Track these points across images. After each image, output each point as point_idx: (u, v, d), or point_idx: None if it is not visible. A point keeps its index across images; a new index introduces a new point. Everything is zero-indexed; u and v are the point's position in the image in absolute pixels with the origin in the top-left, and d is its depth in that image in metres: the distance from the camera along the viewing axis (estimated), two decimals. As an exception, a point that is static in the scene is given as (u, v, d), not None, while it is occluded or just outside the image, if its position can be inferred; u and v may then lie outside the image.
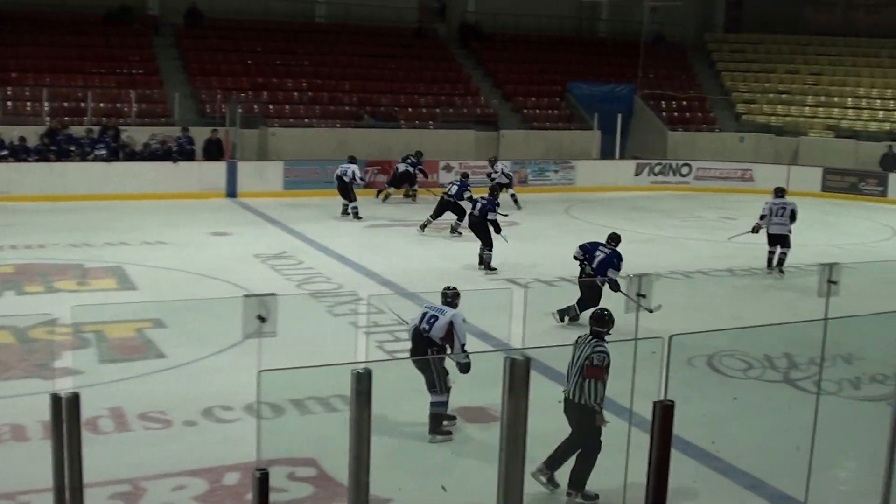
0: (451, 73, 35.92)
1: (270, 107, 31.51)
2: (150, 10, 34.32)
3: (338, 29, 36.00)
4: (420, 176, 28.60)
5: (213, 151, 28.18)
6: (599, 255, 15.21)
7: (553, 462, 8.87)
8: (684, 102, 37.73)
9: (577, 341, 8.95)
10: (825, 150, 34.82)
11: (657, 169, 33.15)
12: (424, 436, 10.08)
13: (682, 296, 17.61)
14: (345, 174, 25.28)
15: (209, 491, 8.79)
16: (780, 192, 20.93)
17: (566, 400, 8.89)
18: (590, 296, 14.73)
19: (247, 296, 5.35)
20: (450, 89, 34.84)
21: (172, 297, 15.90)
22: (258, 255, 19.51)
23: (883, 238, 24.20)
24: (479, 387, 10.32)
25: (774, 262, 19.85)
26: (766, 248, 19.79)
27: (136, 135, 27.73)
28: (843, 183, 32.55)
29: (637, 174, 32.70)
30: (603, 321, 8.75)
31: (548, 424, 9.80)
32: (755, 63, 40.11)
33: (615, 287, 14.68)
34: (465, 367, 10.12)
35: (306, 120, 31.39)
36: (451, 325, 10.27)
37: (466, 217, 20.87)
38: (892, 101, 37.42)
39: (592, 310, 9.94)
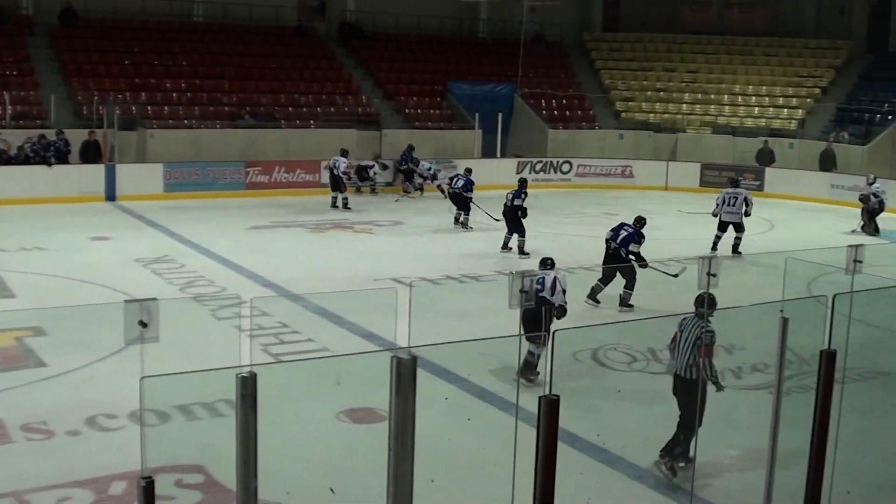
0: (331, 72, 35.75)
1: (149, 108, 30.94)
2: (24, 10, 33.47)
3: (216, 28, 35.55)
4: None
5: (91, 154, 27.63)
6: (623, 233, 17.08)
7: (676, 453, 9.50)
8: (564, 101, 38.13)
9: (680, 324, 9.76)
10: (703, 146, 35.58)
11: (538, 167, 33.43)
12: (312, 438, 10.03)
13: (567, 291, 17.79)
14: (335, 166, 26.93)
15: (95, 501, 8.64)
16: (734, 182, 22.89)
17: (676, 377, 9.75)
18: (610, 274, 16.76)
19: (128, 301, 5.26)
20: (331, 88, 34.66)
21: (52, 303, 15.53)
22: (139, 260, 19.18)
23: (760, 231, 24.77)
24: (366, 387, 10.30)
25: (718, 246, 21.85)
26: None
27: (11, 138, 27.02)
28: (721, 178, 33.17)
29: (518, 172, 32.86)
30: (710, 304, 9.28)
31: (436, 421, 9.86)
32: (633, 62, 40.74)
33: (640, 260, 16.99)
34: (563, 312, 12.61)
35: (185, 121, 30.94)
36: (555, 280, 12.81)
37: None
38: (766, 98, 38.40)
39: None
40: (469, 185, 24.56)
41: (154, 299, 5.33)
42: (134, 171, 27.87)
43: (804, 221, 26.60)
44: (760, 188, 31.89)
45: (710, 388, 9.51)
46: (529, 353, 11.68)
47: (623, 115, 38.35)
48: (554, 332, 5.27)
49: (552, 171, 33.51)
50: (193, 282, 17.54)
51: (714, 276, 6.46)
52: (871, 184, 26.52)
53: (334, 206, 27.12)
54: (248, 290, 16.44)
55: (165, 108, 31.36)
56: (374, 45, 37.70)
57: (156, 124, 30.02)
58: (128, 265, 18.69)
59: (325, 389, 10.81)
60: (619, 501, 9.38)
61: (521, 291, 5.52)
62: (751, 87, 38.94)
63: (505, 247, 21.57)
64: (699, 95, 38.86)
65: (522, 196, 21.67)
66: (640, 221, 17.43)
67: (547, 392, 5.10)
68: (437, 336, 5.91)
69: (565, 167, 33.70)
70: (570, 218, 26.99)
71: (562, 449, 5.43)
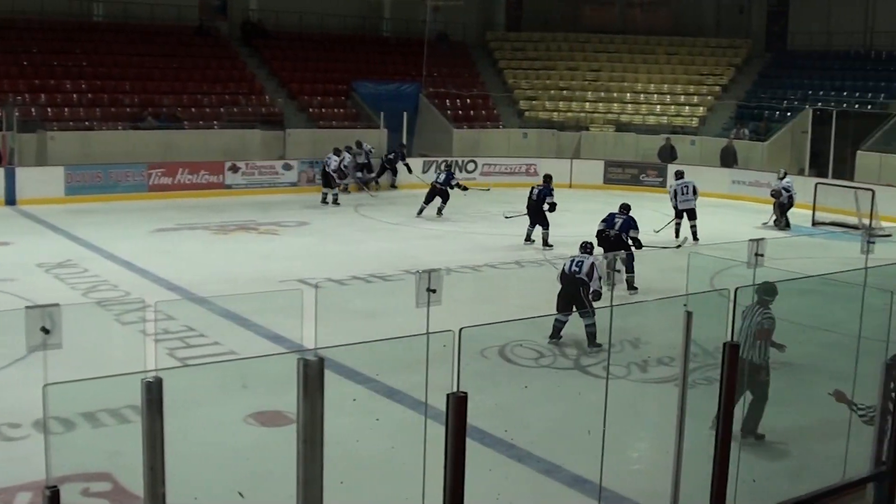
0: (234, 71, 35.41)
1: (49, 109, 30.33)
2: (-84, 9, 32.68)
3: (116, 28, 34.95)
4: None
5: (-11, 157, 27.11)
6: (619, 221, 18.43)
7: (748, 428, 9.98)
8: (468, 100, 38.29)
9: (743, 312, 10.01)
10: (606, 144, 36.01)
11: (444, 166, 33.49)
12: (221, 442, 9.94)
13: (472, 289, 17.90)
14: (327, 164, 28.42)
15: (-2, 512, 8.47)
16: (680, 175, 25.26)
17: (743, 362, 9.74)
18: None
19: (30, 307, 5.16)
20: (234, 88, 34.34)
21: (-51, 311, 15.18)
22: (41, 265, 18.81)
23: (663, 226, 25.10)
24: (273, 390, 10.23)
25: (682, 234, 23.69)
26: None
27: None
28: (625, 175, 33.70)
29: (425, 172, 32.96)
30: (769, 291, 10.20)
31: (345, 423, 9.83)
32: (536, 61, 41.02)
33: (638, 244, 18.26)
34: (598, 296, 13.94)
35: (87, 123, 30.40)
36: (592, 265, 14.05)
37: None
38: (668, 96, 38.99)
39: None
40: (449, 179, 26.74)
41: (56, 305, 5.24)
42: (34, 175, 27.33)
43: (706, 217, 26.94)
44: (663, 185, 32.31)
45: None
46: (587, 326, 13.59)
47: (527, 113, 38.61)
48: (460, 330, 5.29)
49: (457, 170, 33.55)
50: (97, 286, 17.27)
51: (619, 272, 6.53)
52: (782, 179, 27.10)
53: (324, 201, 28.36)
54: (153, 294, 16.23)
55: (66, 109, 30.78)
56: (277, 45, 37.42)
57: (56, 126, 29.44)
58: (29, 270, 18.33)
59: (233, 393, 10.70)
60: (528, 496, 9.45)
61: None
62: (653, 85, 39.49)
63: (528, 239, 22.56)
64: (602, 94, 39.28)
65: (552, 191, 22.93)
66: (627, 208, 18.92)
67: (454, 390, 5.12)
68: (344, 337, 5.89)
69: (470, 166, 33.85)
70: (474, 216, 27.07)
71: (471, 446, 5.46)
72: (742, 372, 9.62)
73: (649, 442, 10.66)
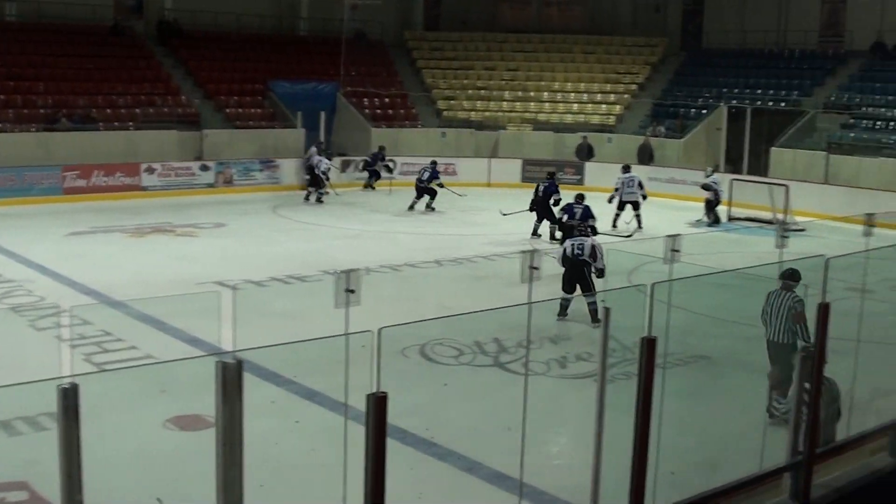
0: (150, 72, 34.95)
1: (-41, 112, 29.75)
2: None
3: (30, 28, 34.28)
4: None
5: None
6: (578, 210, 20.18)
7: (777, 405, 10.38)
8: (387, 99, 38.23)
9: (768, 298, 11.19)
10: (524, 143, 36.19)
11: (362, 166, 33.44)
12: (139, 448, 9.82)
13: (392, 288, 17.89)
14: (317, 165, 29.31)
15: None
16: (626, 168, 26.69)
17: (771, 343, 11.16)
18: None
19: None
20: (149, 89, 33.88)
21: None
22: (-49, 271, 18.45)
23: (630, 231, 25.26)
24: (191, 394, 10.14)
25: (628, 223, 25.02)
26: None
27: None
28: (542, 173, 33.81)
29: (343, 171, 32.87)
30: (794, 277, 10.96)
31: (264, 425, 9.77)
32: (454, 60, 41.08)
33: (595, 231, 19.30)
34: (601, 273, 15.51)
35: (-1, 125, 29.87)
36: (593, 246, 15.67)
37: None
38: (585, 95, 39.29)
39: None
40: (433, 176, 28.17)
41: (-34, 311, 5.15)
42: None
43: (624, 213, 27.22)
44: (581, 182, 32.59)
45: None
46: (590, 304, 14.94)
47: (445, 113, 38.64)
48: (379, 330, 5.28)
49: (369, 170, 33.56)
50: (10, 292, 16.94)
51: (537, 268, 6.57)
52: (709, 175, 27.52)
53: (307, 199, 29.30)
54: (68, 299, 15.98)
55: (-23, 111, 30.19)
56: (193, 44, 37.00)
57: (-33, 129, 28.87)
58: (-61, 276, 17.96)
59: (151, 398, 10.60)
60: (450, 494, 9.47)
61: (347, 291, 5.52)
62: (570, 84, 39.78)
63: (535, 233, 23.54)
64: (519, 93, 39.46)
65: (558, 188, 23.86)
66: (582, 197, 20.96)
67: (374, 390, 5.11)
68: (263, 339, 5.84)
69: (389, 165, 33.79)
70: (395, 216, 27.08)
71: (391, 445, 5.45)
72: (773, 354, 11.14)
73: (569, 437, 10.75)
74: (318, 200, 29.23)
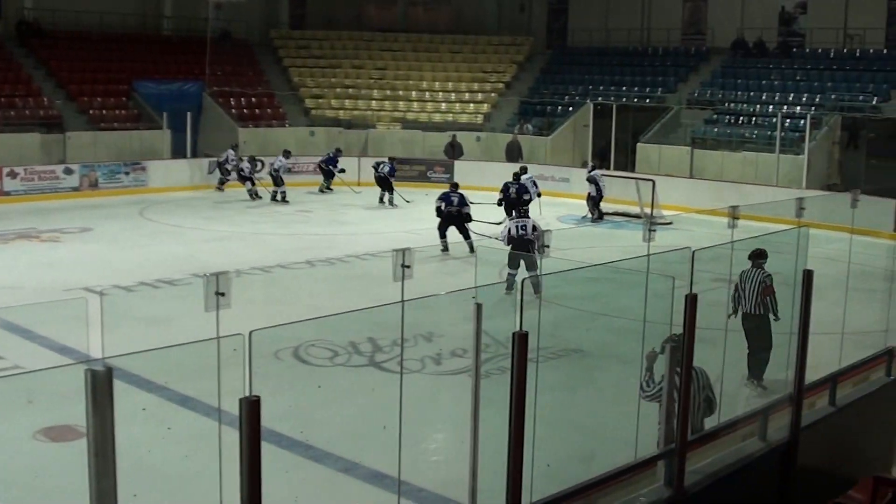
0: (9, 73, 33.95)
1: None
2: None
3: None
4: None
5: None
6: (455, 198, 21.49)
7: (757, 373, 11.93)
8: (254, 99, 37.87)
9: (741, 276, 12.22)
10: (393, 142, 36.18)
11: (230, 166, 32.99)
12: (8, 461, 9.54)
13: (263, 290, 17.72)
14: (278, 166, 30.22)
15: None
16: (523, 170, 27.06)
17: (746, 315, 12.19)
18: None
19: None
20: (9, 90, 32.90)
21: None
22: None
23: (498, 221, 25.36)
24: (61, 404, 9.89)
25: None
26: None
27: None
28: (412, 172, 33.93)
29: (210, 172, 32.43)
30: (762, 255, 12.26)
31: (137, 433, 9.58)
32: (321, 59, 40.88)
33: (469, 218, 21.34)
34: (543, 249, 14.85)
35: None
36: (534, 226, 17.43)
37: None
38: (453, 94, 39.49)
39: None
40: (393, 170, 29.59)
41: None
42: None
43: (494, 211, 27.44)
44: (450, 180, 32.66)
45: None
46: (532, 277, 14.87)
47: (313, 112, 38.45)
48: (250, 333, 5.21)
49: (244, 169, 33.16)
50: None
51: (409, 267, 6.56)
52: (591, 171, 27.86)
53: (273, 199, 29.78)
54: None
55: None
56: (54, 45, 36.05)
57: None
58: None
59: (19, 409, 10.30)
60: (327, 496, 9.42)
61: (217, 294, 5.43)
62: (437, 83, 39.93)
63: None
64: (388, 92, 39.47)
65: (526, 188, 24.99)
66: (457, 185, 22.51)
67: (246, 394, 5.04)
68: (133, 345, 5.72)
69: (257, 166, 33.42)
70: (263, 217, 26.85)
71: (267, 449, 5.38)
72: (749, 326, 12.18)
73: (446, 433, 10.77)
74: (284, 200, 29.70)
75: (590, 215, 27.38)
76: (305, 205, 28.72)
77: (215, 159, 32.03)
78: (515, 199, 23.96)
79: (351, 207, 28.31)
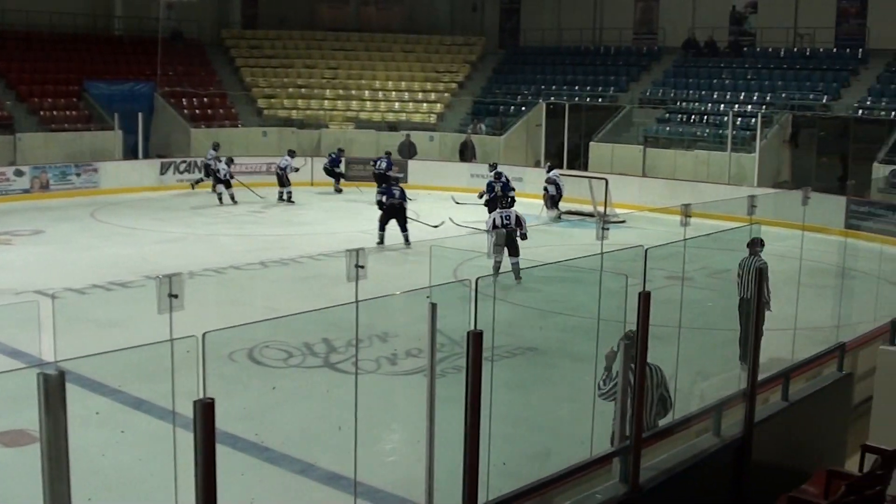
0: (-42, 75, 33.63)
1: None
2: None
3: None
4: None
5: None
6: (397, 191, 22.41)
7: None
8: (206, 99, 37.64)
9: (741, 263, 13.21)
10: (346, 141, 36.11)
11: (182, 167, 32.84)
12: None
13: (217, 292, 17.63)
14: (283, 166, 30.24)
15: None
16: (493, 167, 27.36)
17: (743, 300, 13.02)
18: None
19: None
20: (-42, 92, 32.61)
21: None
22: None
23: (440, 222, 25.38)
24: (14, 408, 9.79)
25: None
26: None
27: None
28: (366, 171, 33.87)
29: (163, 173, 32.25)
30: (758, 243, 13.22)
31: (91, 437, 9.51)
32: (273, 59, 40.72)
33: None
34: (525, 236, 18.61)
35: None
36: (517, 216, 18.96)
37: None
38: (406, 93, 39.50)
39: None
40: (390, 165, 30.63)
41: None
42: None
43: (448, 210, 27.48)
44: (405, 180, 32.65)
45: None
46: (515, 264, 17.73)
47: (266, 112, 38.31)
48: (203, 335, 5.18)
49: (196, 170, 32.96)
50: None
51: (362, 267, 6.55)
52: (549, 172, 27.97)
53: (280, 199, 30.02)
54: None
55: None
56: (3, 45, 35.60)
57: None
58: None
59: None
60: (283, 497, 9.39)
61: (170, 296, 5.39)
62: (390, 82, 39.92)
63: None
64: (340, 91, 39.41)
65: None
66: (397, 179, 23.81)
67: (201, 396, 5.01)
68: (85, 348, 5.68)
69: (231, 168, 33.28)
70: (216, 218, 26.71)
71: (223, 452, 5.36)
72: (746, 310, 12.61)
73: (402, 433, 10.78)
74: (290, 200, 29.89)
75: (548, 214, 27.44)
76: (256, 205, 28.60)
77: (203, 160, 31.54)
78: (501, 196, 24.06)
79: (305, 207, 28.23)
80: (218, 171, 29.74)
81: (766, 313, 12.41)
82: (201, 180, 31.29)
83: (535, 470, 7.74)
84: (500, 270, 17.71)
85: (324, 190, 31.81)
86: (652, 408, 8.21)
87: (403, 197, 22.39)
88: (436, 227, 23.97)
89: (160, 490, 8.19)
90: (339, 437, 8.81)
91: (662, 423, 8.39)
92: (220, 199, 29.21)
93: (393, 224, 21.94)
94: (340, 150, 33.32)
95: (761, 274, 11.86)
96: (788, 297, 14.22)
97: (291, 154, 31.11)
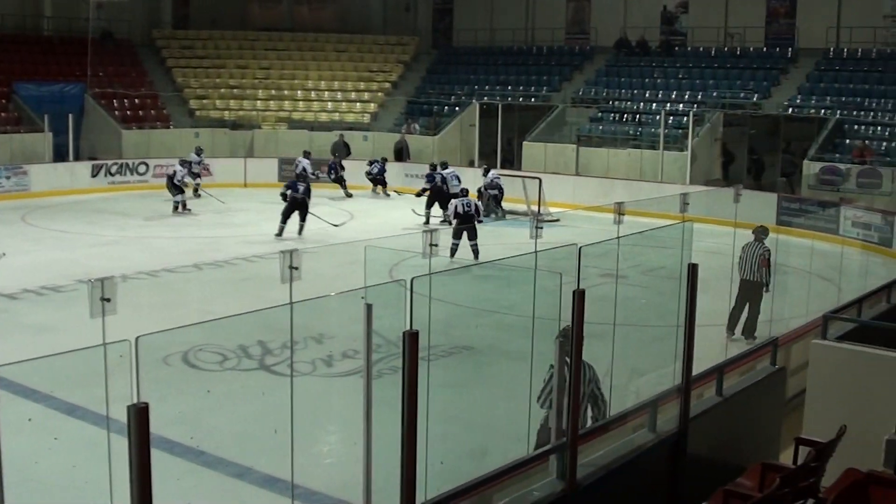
0: None
1: None
2: None
3: None
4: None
5: None
6: (301, 186, 23.56)
7: (749, 331, 14.71)
8: (137, 100, 37.24)
9: (744, 247, 14.82)
10: (279, 142, 35.95)
11: (114, 169, 32.46)
12: None
13: (151, 295, 17.46)
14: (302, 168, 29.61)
15: None
16: (444, 165, 28.00)
17: (744, 281, 14.80)
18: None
19: None
20: None
21: None
22: None
23: (341, 222, 25.38)
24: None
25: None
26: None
27: None
28: (288, 172, 33.78)
29: (94, 176, 31.86)
30: (764, 232, 15.07)
31: (23, 444, 9.36)
32: (205, 59, 40.39)
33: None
34: (481, 221, 21.73)
35: None
36: (476, 204, 22.24)
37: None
38: (339, 93, 39.42)
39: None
40: (382, 169, 31.96)
41: None
42: None
43: (382, 210, 27.47)
44: (338, 180, 32.56)
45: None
46: (474, 245, 20.48)
47: (198, 113, 37.99)
48: (136, 339, 5.13)
49: (128, 172, 32.65)
50: None
51: (296, 268, 6.53)
52: (487, 174, 27.99)
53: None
54: None
55: None
56: (-72, 48, 35.10)
57: None
58: None
59: None
60: (220, 501, 9.33)
61: (103, 300, 5.34)
62: (323, 82, 39.80)
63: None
64: (273, 92, 39.21)
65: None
66: (304, 177, 24.33)
67: (135, 401, 4.97)
68: (17, 353, 5.61)
69: (142, 168, 32.95)
70: (149, 220, 26.44)
71: (158, 456, 5.31)
72: (745, 289, 14.86)
73: (339, 435, 10.75)
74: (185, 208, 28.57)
75: (495, 214, 27.49)
76: (192, 207, 28.35)
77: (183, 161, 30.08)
78: (444, 190, 26.03)
79: (239, 211, 28.04)
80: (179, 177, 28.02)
81: (765, 294, 14.78)
82: (197, 185, 30.56)
83: (472, 469, 7.75)
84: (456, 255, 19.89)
85: (259, 192, 31.58)
86: (583, 403, 8.24)
87: (307, 193, 23.65)
88: (336, 226, 24.56)
89: (95, 497, 8.10)
90: (275, 439, 8.76)
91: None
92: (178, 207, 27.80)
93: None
94: (384, 159, 32.90)
95: (764, 260, 14.71)
96: (721, 292, 14.40)
97: (307, 155, 30.98)
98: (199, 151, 31.18)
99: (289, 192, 23.38)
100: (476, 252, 20.38)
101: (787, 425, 10.10)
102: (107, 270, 18.98)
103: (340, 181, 31.62)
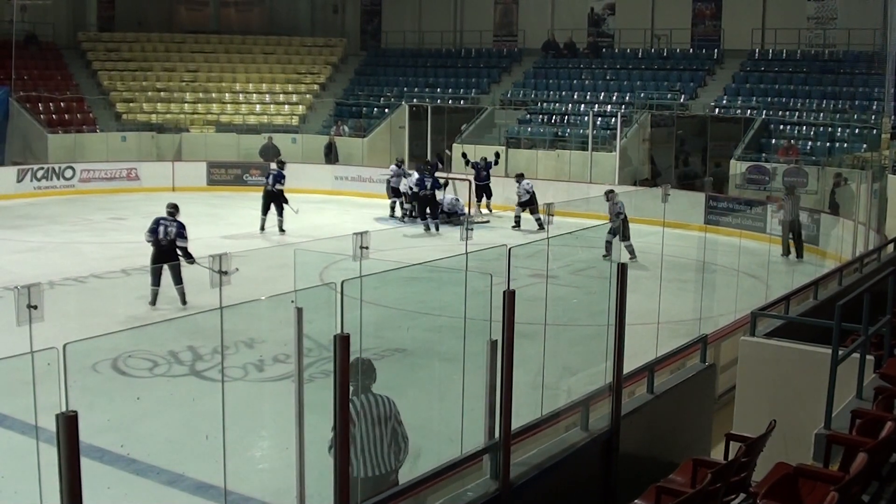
0: None
1: None
2: None
3: None
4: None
5: None
6: (171, 228, 17.09)
7: (800, 251, 19.89)
8: (63, 104, 36.74)
9: (782, 199, 18.53)
10: (208, 145, 35.66)
11: (40, 174, 31.96)
12: None
13: (78, 302, 17.24)
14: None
15: None
16: (399, 163, 28.45)
17: (786, 221, 19.83)
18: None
19: None
20: None
21: None
22: None
23: (270, 225, 25.22)
24: None
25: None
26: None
27: None
28: (228, 175, 33.55)
29: (19, 181, 31.36)
30: (796, 186, 21.04)
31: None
32: (132, 62, 39.96)
33: (188, 256, 16.94)
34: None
35: None
36: (455, 200, 26.04)
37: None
38: (267, 95, 39.21)
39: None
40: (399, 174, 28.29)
41: None
42: None
43: (312, 213, 27.32)
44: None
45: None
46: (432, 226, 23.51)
47: (125, 116, 37.57)
48: (64, 346, 5.07)
49: (55, 177, 32.18)
50: None
51: (227, 273, 6.49)
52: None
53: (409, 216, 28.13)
54: None
55: None
56: None
57: None
58: None
59: None
60: (152, 509, 9.24)
61: (29, 307, 5.27)
62: (251, 84, 39.59)
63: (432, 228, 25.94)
64: (200, 94, 38.92)
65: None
66: (175, 207, 17.69)
67: (64, 409, 4.90)
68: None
69: (68, 173, 32.46)
70: (76, 226, 26.10)
71: (89, 465, 5.25)
72: (786, 226, 21.62)
73: (272, 440, 10.70)
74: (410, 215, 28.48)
75: (404, 215, 27.46)
76: (117, 211, 28.03)
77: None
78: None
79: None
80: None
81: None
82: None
83: (406, 470, 7.76)
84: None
85: (187, 196, 31.33)
86: (384, 444, 7.79)
87: (275, 183, 24.70)
88: (296, 211, 24.87)
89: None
90: (207, 446, 8.69)
91: (407, 464, 7.99)
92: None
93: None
94: (492, 162, 29.89)
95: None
96: (651, 291, 14.53)
97: (399, 163, 29.23)
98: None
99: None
100: (437, 227, 24.38)
101: (718, 421, 10.23)
102: (33, 277, 18.65)
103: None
